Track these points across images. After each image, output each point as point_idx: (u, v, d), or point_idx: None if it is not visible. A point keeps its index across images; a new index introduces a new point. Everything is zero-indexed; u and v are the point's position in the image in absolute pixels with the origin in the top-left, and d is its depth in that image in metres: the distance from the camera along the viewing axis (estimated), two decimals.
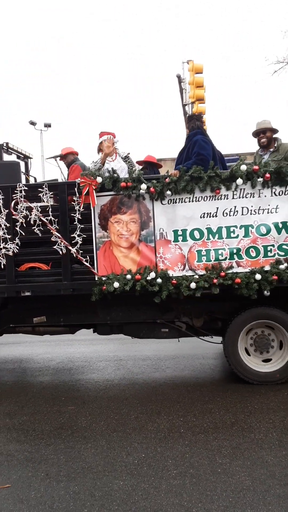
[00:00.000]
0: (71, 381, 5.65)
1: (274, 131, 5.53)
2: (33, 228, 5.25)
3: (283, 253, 4.83)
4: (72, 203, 5.18)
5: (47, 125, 18.69)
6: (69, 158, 6.30)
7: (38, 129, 19.04)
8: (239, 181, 4.80)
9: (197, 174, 4.85)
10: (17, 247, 5.32)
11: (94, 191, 5.07)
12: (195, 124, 5.35)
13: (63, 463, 3.41)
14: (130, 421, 4.18)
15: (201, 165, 4.91)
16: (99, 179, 5.06)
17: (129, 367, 6.18)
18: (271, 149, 5.52)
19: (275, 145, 5.54)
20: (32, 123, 17.46)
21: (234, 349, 5.07)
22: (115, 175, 5.11)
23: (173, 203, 5.03)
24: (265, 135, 5.48)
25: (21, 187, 5.26)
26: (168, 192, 4.95)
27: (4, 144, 6.21)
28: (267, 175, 4.76)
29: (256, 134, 5.56)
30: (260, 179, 4.78)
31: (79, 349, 7.42)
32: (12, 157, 6.58)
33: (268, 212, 4.86)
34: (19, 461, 3.47)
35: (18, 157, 6.82)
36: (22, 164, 6.67)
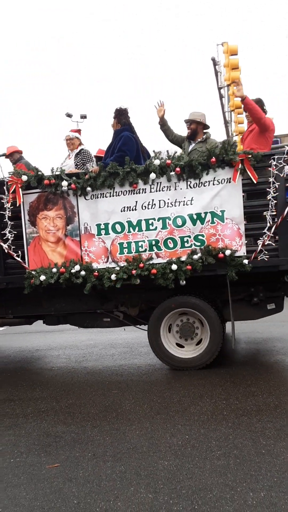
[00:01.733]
0: (114, 366, 5.80)
1: (201, 124, 5.64)
2: None
3: (199, 244, 4.99)
4: (1, 201, 5.41)
5: (83, 117, 18.34)
6: (15, 156, 6.56)
7: (75, 121, 18.83)
8: (152, 175, 4.96)
9: (114, 170, 5.03)
10: None
11: (20, 189, 5.30)
12: (126, 120, 5.51)
13: (109, 444, 3.49)
14: (173, 404, 4.23)
15: (121, 161, 5.09)
16: (24, 178, 5.28)
17: None
18: (198, 139, 5.65)
19: (203, 136, 5.66)
20: (69, 115, 17.27)
21: (156, 335, 5.28)
22: (40, 173, 5.33)
23: (95, 198, 5.22)
24: (190, 126, 5.61)
25: None
26: (89, 188, 5.15)
27: None
28: (177, 169, 4.91)
29: (185, 122, 5.71)
30: (173, 173, 4.93)
31: (121, 336, 7.63)
32: None
33: (184, 204, 5.02)
34: (67, 442, 3.57)
35: None
36: None
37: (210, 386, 4.68)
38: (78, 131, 6.36)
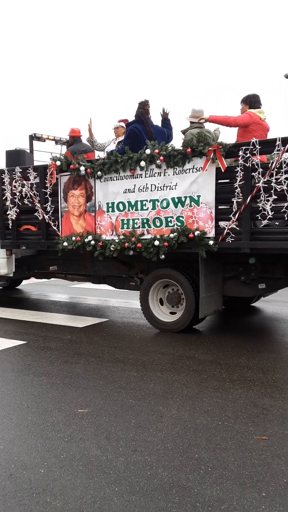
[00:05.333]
0: None
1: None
2: (24, 200, 7.12)
3: (180, 224, 5.69)
4: (45, 181, 6.86)
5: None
6: (70, 141, 7.88)
7: None
8: (142, 163, 5.78)
9: (115, 158, 6.00)
10: (16, 213, 7.27)
11: (55, 172, 6.65)
12: (138, 111, 6.35)
13: None
14: None
15: (124, 151, 6.02)
16: (57, 163, 6.60)
17: None
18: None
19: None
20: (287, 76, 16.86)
21: (145, 300, 6.19)
22: (69, 159, 6.58)
23: (106, 181, 6.27)
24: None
25: (16, 169, 7.14)
26: (99, 173, 6.22)
27: (33, 134, 8.12)
28: (161, 157, 5.63)
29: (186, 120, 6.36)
30: (158, 161, 5.68)
31: None
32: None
33: (169, 189, 5.74)
34: (274, 417, 3.41)
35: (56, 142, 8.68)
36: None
37: None
38: (124, 121, 7.35)
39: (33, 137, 8.03)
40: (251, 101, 5.79)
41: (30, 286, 10.66)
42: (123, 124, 7.28)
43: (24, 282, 10.90)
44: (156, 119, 6.48)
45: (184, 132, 6.25)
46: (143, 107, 6.34)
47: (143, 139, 6.10)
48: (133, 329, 6.31)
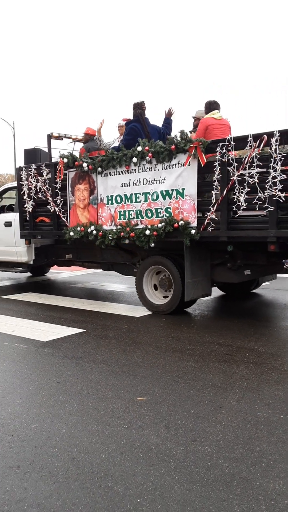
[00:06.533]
0: None
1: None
2: (38, 194, 7.86)
3: (168, 215, 6.20)
4: (55, 176, 7.55)
5: None
6: (85, 138, 8.52)
7: None
8: (135, 159, 6.33)
9: (111, 155, 6.58)
10: (32, 206, 8.02)
11: (63, 168, 7.33)
12: (136, 112, 6.89)
13: None
14: None
15: (125, 147, 6.59)
16: (65, 160, 7.27)
17: None
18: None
19: None
20: None
21: (140, 285, 6.75)
22: (75, 156, 7.22)
23: (106, 176, 6.87)
24: (194, 122, 6.85)
25: (32, 166, 7.88)
26: (99, 169, 6.83)
27: (51, 133, 8.81)
28: (150, 154, 6.15)
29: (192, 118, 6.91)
30: (148, 157, 6.21)
31: None
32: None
33: (159, 183, 6.25)
34: None
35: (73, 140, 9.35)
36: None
37: None
38: (128, 120, 7.88)
39: (50, 136, 8.73)
40: (208, 108, 6.58)
41: (86, 276, 10.92)
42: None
43: (80, 272, 11.36)
44: (152, 119, 6.99)
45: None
46: (141, 107, 6.87)
47: (141, 137, 6.65)
48: (190, 319, 6.33)
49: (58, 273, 11.50)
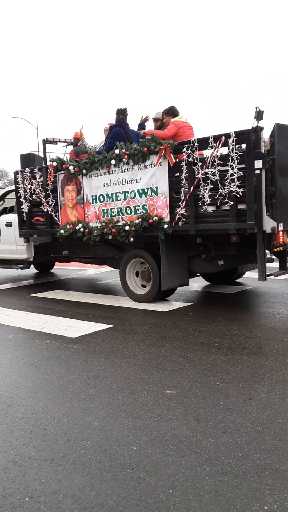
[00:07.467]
0: None
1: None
2: (33, 195, 8.49)
3: (144, 211, 6.74)
4: (47, 179, 8.16)
5: None
6: (74, 142, 9.09)
7: None
8: (113, 161, 6.88)
9: (93, 158, 7.16)
10: (28, 207, 8.66)
11: (53, 171, 7.93)
12: (119, 117, 7.43)
13: None
14: None
15: (107, 151, 7.14)
16: (54, 163, 7.87)
17: None
18: None
19: None
20: None
21: (123, 276, 7.32)
22: (64, 159, 7.82)
23: (91, 177, 7.45)
24: (155, 123, 7.40)
25: (26, 170, 8.51)
26: (84, 171, 7.40)
27: (45, 138, 9.42)
28: (126, 156, 6.70)
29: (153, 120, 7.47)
30: (124, 159, 6.76)
31: None
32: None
33: (136, 182, 6.79)
34: None
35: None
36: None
37: None
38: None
39: (45, 141, 9.33)
40: (173, 112, 7.01)
41: (112, 273, 10.78)
42: None
43: (103, 269, 11.27)
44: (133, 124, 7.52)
45: None
46: (123, 113, 7.40)
47: (124, 141, 7.18)
48: (217, 313, 6.23)
49: (84, 270, 11.85)
